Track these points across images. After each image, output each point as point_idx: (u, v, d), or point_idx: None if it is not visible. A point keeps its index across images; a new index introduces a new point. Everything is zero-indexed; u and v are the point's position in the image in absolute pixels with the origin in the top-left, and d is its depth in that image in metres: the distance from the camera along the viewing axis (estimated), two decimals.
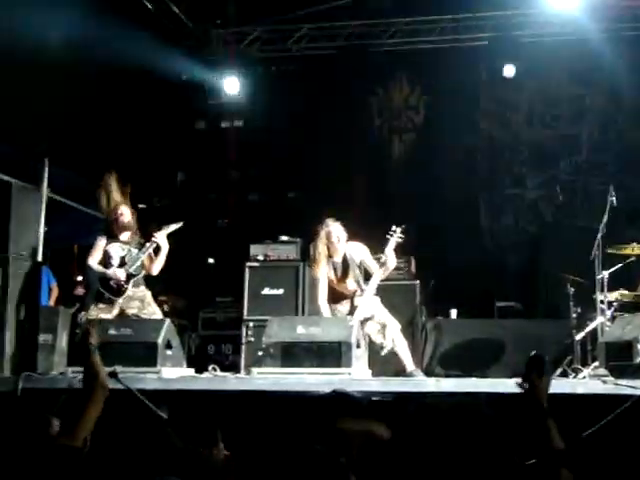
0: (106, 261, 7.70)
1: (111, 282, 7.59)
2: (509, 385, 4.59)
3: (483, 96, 12.04)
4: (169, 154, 12.66)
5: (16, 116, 8.99)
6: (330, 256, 7.49)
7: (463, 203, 11.78)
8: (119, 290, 7.57)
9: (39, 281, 8.09)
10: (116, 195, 7.84)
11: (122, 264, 7.66)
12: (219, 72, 11.99)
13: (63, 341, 8.23)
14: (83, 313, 7.98)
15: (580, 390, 5.03)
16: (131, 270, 7.62)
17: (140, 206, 11.57)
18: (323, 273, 7.47)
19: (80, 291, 10.96)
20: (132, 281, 7.60)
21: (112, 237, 7.77)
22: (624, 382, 5.02)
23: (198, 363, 7.93)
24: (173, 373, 6.47)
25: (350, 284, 7.48)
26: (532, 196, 11.74)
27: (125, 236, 7.78)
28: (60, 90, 9.71)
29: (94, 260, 7.71)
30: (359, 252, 7.52)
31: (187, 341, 9.93)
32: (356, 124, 12.22)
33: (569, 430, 4.13)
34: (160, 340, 6.48)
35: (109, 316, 7.46)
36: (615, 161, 11.41)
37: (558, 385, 4.96)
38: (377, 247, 7.55)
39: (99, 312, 7.53)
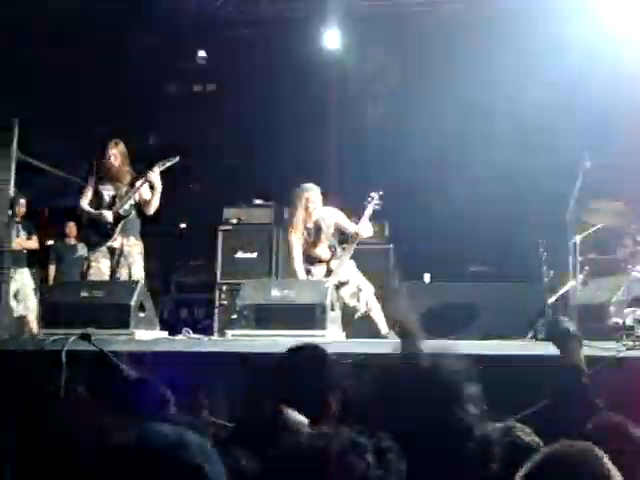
0: (97, 201, 7.46)
1: (99, 225, 7.36)
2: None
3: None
4: (140, 117, 12.50)
5: None
6: (305, 222, 7.45)
7: (438, 168, 11.73)
8: (107, 234, 7.34)
9: None
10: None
11: (112, 204, 7.42)
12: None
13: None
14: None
15: (552, 351, 5.05)
16: (120, 211, 7.38)
17: None
18: (298, 239, 7.42)
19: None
20: (121, 224, 7.36)
21: (102, 176, 7.50)
22: (597, 344, 5.06)
23: (171, 326, 7.88)
24: (147, 335, 6.43)
25: (323, 248, 7.46)
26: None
27: (116, 175, 7.50)
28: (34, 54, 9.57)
29: (85, 201, 7.48)
30: (333, 216, 7.49)
31: (159, 304, 9.89)
32: (329, 88, 12.11)
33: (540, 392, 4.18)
34: (133, 302, 6.42)
35: (101, 266, 7.29)
36: (587, 128, 11.38)
37: (531, 347, 5.00)
38: (351, 212, 7.53)
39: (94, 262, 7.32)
